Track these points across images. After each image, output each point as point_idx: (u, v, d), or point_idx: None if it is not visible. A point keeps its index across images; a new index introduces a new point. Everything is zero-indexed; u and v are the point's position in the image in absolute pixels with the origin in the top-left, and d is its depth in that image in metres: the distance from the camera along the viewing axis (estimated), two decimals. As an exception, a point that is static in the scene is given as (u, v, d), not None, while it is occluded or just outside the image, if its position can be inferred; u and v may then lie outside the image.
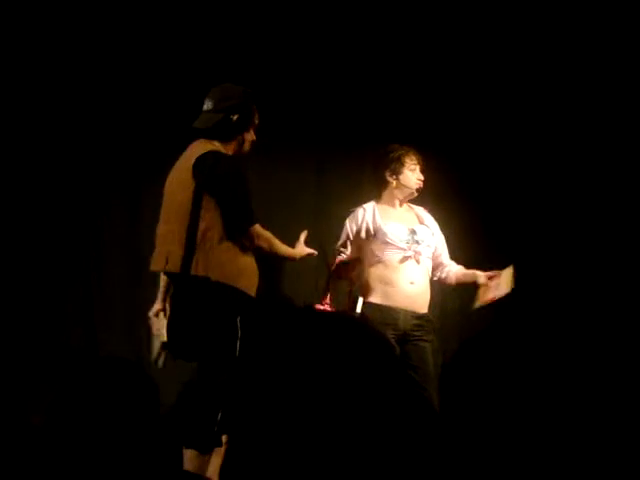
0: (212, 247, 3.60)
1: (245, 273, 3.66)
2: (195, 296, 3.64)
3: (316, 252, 3.97)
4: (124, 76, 4.93)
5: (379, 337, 1.22)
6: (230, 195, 3.64)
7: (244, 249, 3.66)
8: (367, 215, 4.40)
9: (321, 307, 4.19)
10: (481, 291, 4.30)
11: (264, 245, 3.71)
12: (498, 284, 4.25)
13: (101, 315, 4.86)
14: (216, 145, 3.70)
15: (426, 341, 4.26)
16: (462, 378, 1.34)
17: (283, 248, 3.82)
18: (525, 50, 5.15)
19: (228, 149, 3.72)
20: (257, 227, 3.68)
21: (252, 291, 3.67)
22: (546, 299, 5.02)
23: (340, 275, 4.36)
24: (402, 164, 4.38)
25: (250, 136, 3.79)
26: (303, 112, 5.10)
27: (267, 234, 3.73)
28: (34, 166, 4.81)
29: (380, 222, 4.36)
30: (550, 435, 1.30)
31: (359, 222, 4.40)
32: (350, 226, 4.42)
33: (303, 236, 3.91)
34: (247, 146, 3.79)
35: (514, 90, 5.19)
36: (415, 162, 4.40)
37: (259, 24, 5.04)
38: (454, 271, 4.45)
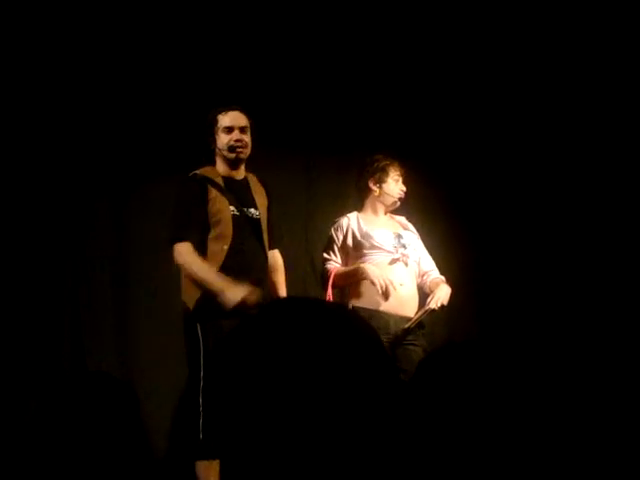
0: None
1: (186, 285, 3.82)
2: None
3: (254, 297, 3.71)
4: (113, 83, 4.94)
5: (369, 332, 1.19)
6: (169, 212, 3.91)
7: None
8: (352, 223, 4.41)
9: None
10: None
11: (182, 267, 3.82)
12: (432, 299, 4.25)
13: (89, 329, 4.85)
14: (211, 169, 3.96)
15: (417, 345, 4.26)
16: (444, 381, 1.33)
17: (210, 278, 3.76)
18: (510, 63, 5.18)
19: (221, 167, 3.96)
20: (178, 246, 3.79)
21: (190, 303, 3.79)
22: (529, 306, 5.05)
23: (335, 284, 4.36)
24: (386, 173, 4.40)
25: (220, 143, 3.92)
26: (293, 118, 5.12)
27: (189, 257, 3.78)
28: (21, 180, 4.79)
29: (366, 228, 4.37)
30: (534, 437, 1.29)
31: (344, 230, 4.40)
32: (336, 234, 4.42)
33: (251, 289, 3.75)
34: (225, 152, 3.93)
35: (500, 101, 5.22)
36: (399, 173, 4.43)
37: (251, 29, 5.06)
38: (430, 280, 4.43)
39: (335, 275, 4.33)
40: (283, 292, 4.10)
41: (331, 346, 1.06)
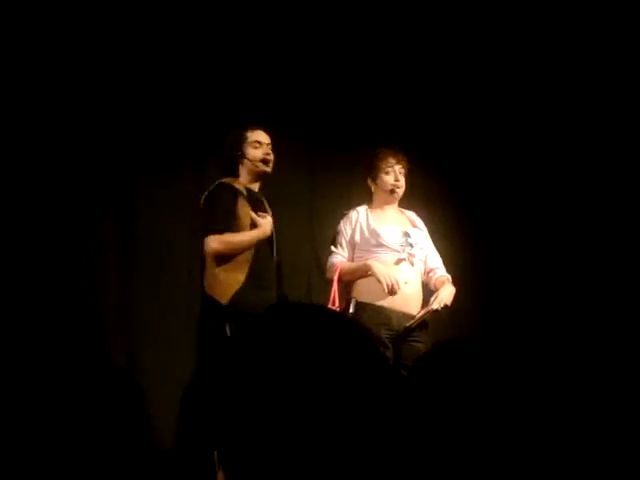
0: (207, 262, 4.09)
1: (220, 284, 4.04)
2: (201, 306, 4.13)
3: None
4: (117, 82, 4.93)
5: (367, 335, 1.20)
6: (204, 211, 4.13)
7: (226, 262, 4.07)
8: (361, 217, 4.41)
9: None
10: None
11: (222, 250, 4.06)
12: (434, 300, 4.26)
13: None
14: (233, 179, 4.22)
15: (420, 342, 4.26)
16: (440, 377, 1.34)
17: (247, 236, 4.13)
18: (513, 55, 5.18)
19: (244, 178, 4.25)
20: (215, 236, 4.05)
21: (223, 298, 4.02)
22: (535, 302, 5.03)
23: (340, 279, 4.35)
24: (378, 169, 4.41)
25: (251, 155, 4.23)
26: (297, 114, 5.12)
27: (226, 238, 4.07)
28: (27, 180, 4.78)
29: (374, 224, 4.37)
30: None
31: (353, 224, 4.41)
32: (344, 228, 4.42)
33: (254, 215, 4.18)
34: (257, 165, 4.24)
35: (504, 93, 5.21)
36: (390, 164, 4.39)
37: (255, 27, 5.06)
38: (435, 278, 4.44)
39: (341, 270, 4.33)
40: None
41: (329, 351, 1.08)
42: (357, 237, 4.38)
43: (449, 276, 4.44)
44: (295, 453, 1.03)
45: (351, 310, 4.22)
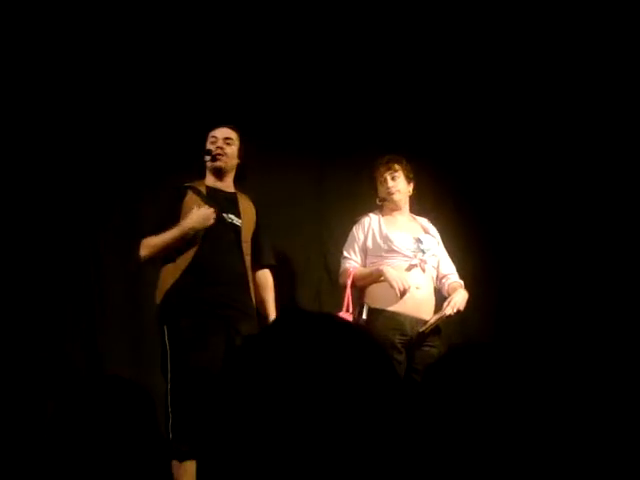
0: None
1: (159, 284, 3.92)
2: None
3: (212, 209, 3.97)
4: (122, 85, 4.93)
5: (376, 344, 1.19)
6: None
7: (167, 262, 3.93)
8: (373, 223, 4.43)
9: (345, 315, 4.18)
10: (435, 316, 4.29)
11: (149, 254, 3.95)
12: (448, 305, 4.25)
13: (103, 333, 4.84)
14: (199, 182, 4.09)
15: (433, 346, 4.25)
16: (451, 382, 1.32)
17: (172, 231, 3.91)
18: (518, 59, 5.17)
19: (208, 178, 4.11)
20: (143, 241, 3.96)
21: (158, 298, 3.89)
22: (543, 306, 5.01)
23: (353, 284, 4.35)
24: (374, 180, 4.47)
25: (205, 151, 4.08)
26: (305, 120, 5.12)
27: (147, 241, 3.95)
28: (34, 183, 4.78)
29: (386, 230, 4.38)
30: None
31: (365, 230, 4.42)
32: (357, 234, 4.44)
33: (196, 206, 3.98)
34: (205, 159, 4.09)
35: (512, 97, 5.20)
36: (380, 173, 4.45)
37: (263, 32, 5.07)
38: (448, 283, 4.44)
39: (354, 275, 4.33)
40: (272, 310, 4.19)
41: (338, 361, 1.07)
42: (369, 243, 4.39)
43: (462, 282, 4.45)
44: (304, 460, 1.02)
45: (364, 316, 4.21)
